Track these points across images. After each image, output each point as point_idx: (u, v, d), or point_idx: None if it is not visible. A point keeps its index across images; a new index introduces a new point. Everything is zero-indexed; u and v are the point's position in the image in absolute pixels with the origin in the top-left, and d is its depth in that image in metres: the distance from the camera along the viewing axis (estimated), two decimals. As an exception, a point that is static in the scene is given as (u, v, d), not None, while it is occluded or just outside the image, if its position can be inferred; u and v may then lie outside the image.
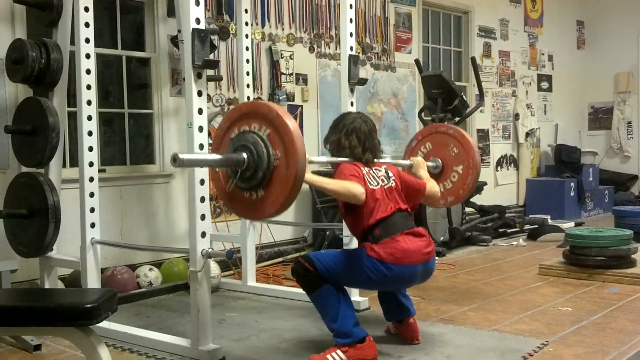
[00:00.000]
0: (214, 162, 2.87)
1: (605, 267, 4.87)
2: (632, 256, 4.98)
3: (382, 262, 3.06)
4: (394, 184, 3.28)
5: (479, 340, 3.46)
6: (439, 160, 3.92)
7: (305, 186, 5.66)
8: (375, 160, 3.33)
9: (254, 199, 2.78)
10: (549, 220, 7.73)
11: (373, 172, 3.25)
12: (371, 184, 3.18)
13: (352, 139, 3.27)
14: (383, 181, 3.25)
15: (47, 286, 3.87)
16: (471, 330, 3.65)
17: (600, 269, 4.88)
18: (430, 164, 3.85)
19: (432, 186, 3.55)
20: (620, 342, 3.38)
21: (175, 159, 2.57)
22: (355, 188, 3.04)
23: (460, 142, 3.86)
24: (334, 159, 3.33)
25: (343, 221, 3.51)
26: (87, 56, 3.66)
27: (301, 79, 6.15)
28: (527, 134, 9.04)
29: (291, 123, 2.68)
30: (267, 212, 2.78)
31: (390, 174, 3.32)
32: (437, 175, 3.87)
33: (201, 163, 3.00)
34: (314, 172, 3.07)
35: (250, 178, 2.75)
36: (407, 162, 3.74)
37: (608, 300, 4.28)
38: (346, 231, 3.91)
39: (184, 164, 2.64)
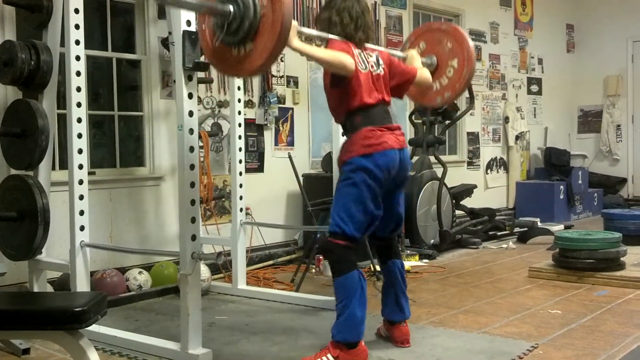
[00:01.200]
0: (198, 7, 2.81)
1: (594, 270, 4.90)
2: (621, 259, 5.00)
3: (362, 156, 3.10)
4: (382, 72, 3.28)
5: (469, 342, 3.47)
6: (434, 57, 3.87)
7: (295, 188, 5.69)
8: (368, 45, 3.30)
9: (242, 54, 2.73)
10: (539, 223, 7.76)
11: (364, 55, 3.24)
12: (360, 67, 3.16)
13: (344, 15, 3.24)
14: (372, 67, 3.24)
15: (36, 289, 3.85)
16: (461, 333, 3.66)
17: (590, 271, 4.90)
18: (425, 59, 3.80)
19: (423, 72, 3.54)
20: (610, 345, 3.39)
21: None
22: (345, 57, 3.04)
23: (454, 36, 3.82)
24: (325, 34, 3.27)
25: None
26: (77, 58, 3.64)
27: (292, 81, 6.14)
28: (517, 137, 9.08)
29: None
30: (255, 63, 2.73)
31: (381, 62, 3.31)
32: (433, 72, 3.81)
33: (185, 5, 2.90)
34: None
35: (237, 30, 2.70)
36: (400, 53, 3.71)
37: (597, 303, 4.30)
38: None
39: (167, 2, 2.55)
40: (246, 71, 2.85)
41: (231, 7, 2.68)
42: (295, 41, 2.89)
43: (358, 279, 3.10)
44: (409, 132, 7.24)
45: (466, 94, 7.29)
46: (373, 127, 3.15)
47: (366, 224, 3.18)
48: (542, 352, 3.31)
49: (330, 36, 3.24)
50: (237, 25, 2.69)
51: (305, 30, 3.35)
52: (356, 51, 3.20)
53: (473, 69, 3.85)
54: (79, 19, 3.64)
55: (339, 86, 3.16)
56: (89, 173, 3.87)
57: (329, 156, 5.64)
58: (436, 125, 6.85)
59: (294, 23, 2.81)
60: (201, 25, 2.95)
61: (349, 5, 3.27)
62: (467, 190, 7.22)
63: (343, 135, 3.36)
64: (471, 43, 3.84)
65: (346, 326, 3.07)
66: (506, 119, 8.97)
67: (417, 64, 3.61)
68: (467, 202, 7.24)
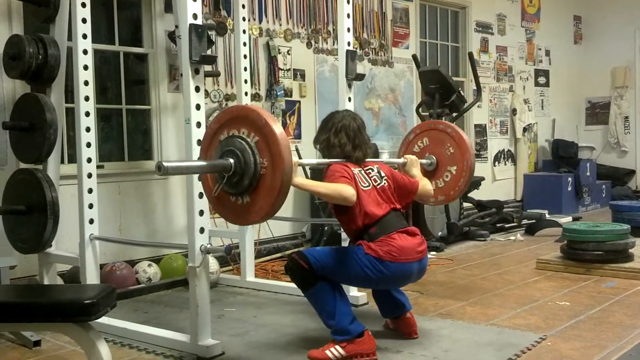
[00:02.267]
0: (199, 169, 2.87)
1: (602, 262, 4.89)
2: (630, 250, 4.99)
3: (380, 260, 3.06)
4: (386, 183, 3.29)
5: (476, 334, 3.47)
6: (434, 158, 3.92)
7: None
8: (367, 159, 3.33)
9: (240, 204, 2.78)
10: (547, 215, 7.75)
11: (364, 172, 3.25)
12: (362, 185, 3.17)
13: (342, 136, 3.26)
14: (375, 181, 3.25)
15: (46, 282, 3.88)
16: (469, 325, 3.66)
17: (598, 263, 4.89)
18: (424, 161, 3.85)
19: (425, 184, 3.55)
20: (618, 337, 3.39)
21: (160, 168, 2.55)
22: (345, 190, 3.02)
23: (457, 143, 3.86)
24: (324, 160, 3.31)
25: None
26: (85, 52, 3.65)
27: (299, 74, 6.14)
28: (525, 129, 9.05)
29: (279, 132, 2.66)
30: (252, 219, 2.79)
31: (383, 174, 3.32)
32: (431, 172, 3.88)
33: (186, 171, 2.99)
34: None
35: (236, 184, 2.75)
36: (400, 160, 3.74)
37: (605, 295, 4.30)
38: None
39: (168, 172, 2.63)
40: (243, 222, 2.94)
41: (232, 162, 2.72)
42: (295, 179, 2.89)
43: (325, 285, 3.10)
44: (416, 124, 7.21)
45: (473, 85, 7.27)
46: (392, 234, 3.12)
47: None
48: (550, 343, 3.31)
49: (328, 161, 3.27)
50: (237, 179, 2.74)
51: (305, 161, 3.51)
52: (356, 170, 3.20)
53: (469, 180, 3.88)
54: (86, 13, 3.66)
55: (345, 213, 3.17)
56: (98, 166, 3.89)
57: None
58: (443, 118, 6.83)
59: (295, 159, 2.83)
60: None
61: (346, 125, 3.29)
62: (474, 182, 7.20)
63: None
64: (473, 155, 3.87)
65: (342, 328, 3.08)
66: (513, 111, 8.94)
67: (415, 171, 3.62)
68: (475, 195, 7.23)
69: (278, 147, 2.64)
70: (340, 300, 3.11)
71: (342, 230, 3.92)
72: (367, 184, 3.21)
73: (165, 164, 2.56)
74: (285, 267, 3.26)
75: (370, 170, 3.29)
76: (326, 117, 3.43)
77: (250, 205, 2.74)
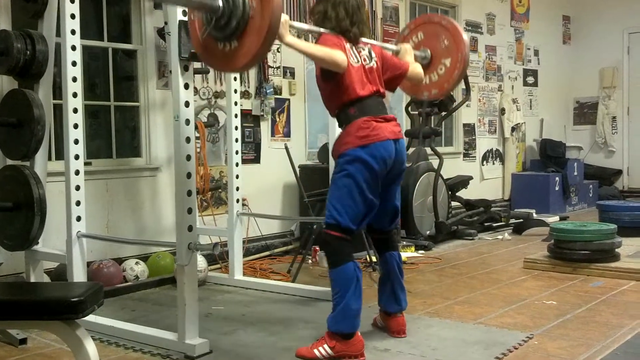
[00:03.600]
0: (187, 2, 2.83)
1: (589, 261, 4.92)
2: (616, 250, 5.02)
3: (360, 147, 3.09)
4: (375, 64, 3.28)
5: (464, 333, 3.49)
6: (428, 51, 3.86)
7: (292, 179, 5.69)
8: (362, 37, 3.30)
9: (227, 50, 2.73)
10: (534, 215, 7.79)
11: (355, 49, 3.23)
12: (352, 61, 3.16)
13: (340, 10, 3.22)
14: (365, 60, 3.24)
15: (32, 280, 3.85)
16: (457, 324, 3.67)
17: (585, 262, 4.92)
18: (418, 53, 3.79)
19: (416, 67, 3.53)
20: (604, 336, 3.41)
21: None
22: (337, 54, 3.03)
23: (452, 35, 3.80)
24: (317, 29, 3.25)
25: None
26: (73, 48, 3.62)
27: (288, 72, 6.13)
28: (513, 129, 9.09)
29: None
30: (238, 63, 2.74)
31: (373, 54, 3.31)
32: (425, 66, 3.81)
33: (175, 0, 2.91)
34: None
35: (224, 27, 2.70)
36: (394, 47, 3.70)
37: (592, 294, 4.32)
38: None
39: None
40: (230, 68, 2.88)
41: (220, 3, 2.68)
42: (287, 37, 2.90)
43: (353, 270, 3.10)
44: (405, 123, 7.23)
45: (462, 85, 7.29)
46: (368, 118, 3.15)
47: (362, 215, 3.18)
48: (537, 342, 3.32)
49: (323, 31, 3.22)
50: (225, 22, 2.69)
51: (297, 24, 3.33)
52: (347, 45, 3.19)
53: (464, 72, 3.83)
54: (75, 8, 3.63)
55: (331, 80, 3.16)
56: (85, 163, 3.86)
57: (325, 147, 5.64)
58: (432, 117, 6.86)
59: (285, 17, 2.81)
60: (190, 15, 2.95)
61: (345, 0, 3.25)
62: (463, 181, 7.24)
63: (339, 127, 3.36)
64: (468, 46, 3.82)
65: (342, 317, 3.08)
66: (502, 111, 8.97)
67: (409, 58, 3.60)
68: (463, 194, 7.26)
69: None
70: (355, 292, 3.09)
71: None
72: (357, 61, 3.19)
73: None
74: (321, 243, 3.21)
75: (361, 49, 3.27)
76: None
77: (238, 49, 2.69)
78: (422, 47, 3.88)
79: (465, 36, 3.85)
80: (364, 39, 3.33)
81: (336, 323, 3.08)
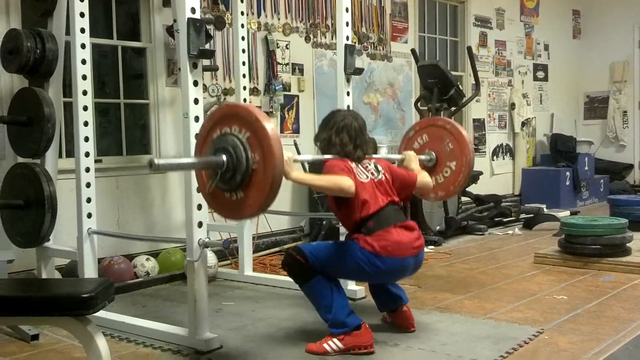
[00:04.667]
0: (192, 166, 2.91)
1: (600, 256, 4.90)
2: (627, 245, 5.00)
3: (375, 255, 3.07)
4: (383, 177, 3.29)
5: (474, 328, 3.48)
6: (433, 154, 3.91)
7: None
8: (366, 157, 3.33)
9: (234, 199, 2.79)
10: (545, 209, 7.76)
11: (362, 166, 3.25)
12: (360, 178, 3.17)
13: (343, 136, 3.26)
14: (373, 174, 3.25)
15: (44, 276, 3.88)
16: (467, 319, 3.67)
17: (596, 257, 4.90)
18: (423, 157, 3.84)
19: (424, 177, 3.55)
20: (615, 330, 3.40)
21: (151, 165, 2.56)
22: (344, 181, 3.05)
23: (456, 139, 3.85)
24: (320, 157, 3.31)
25: None
26: (83, 46, 3.65)
27: (297, 68, 6.14)
28: (523, 124, 9.05)
29: (269, 127, 2.67)
30: (245, 213, 2.81)
31: (380, 168, 3.32)
32: (430, 169, 3.86)
33: (178, 167, 3.00)
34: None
35: (229, 180, 2.76)
36: (398, 156, 3.74)
37: (603, 289, 4.31)
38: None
39: (160, 169, 2.64)
40: (238, 217, 2.94)
41: (224, 158, 2.73)
42: (292, 174, 2.92)
43: (322, 279, 3.12)
44: (414, 118, 7.23)
45: (472, 80, 7.27)
46: (389, 228, 3.12)
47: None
48: (548, 337, 3.32)
49: (326, 156, 3.27)
50: (230, 175, 2.75)
51: (301, 157, 3.48)
52: (353, 165, 3.21)
53: (469, 176, 3.86)
54: (84, 7, 3.65)
55: (345, 204, 3.17)
56: (96, 161, 3.89)
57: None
58: (442, 112, 6.83)
59: (288, 155, 2.85)
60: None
61: (348, 124, 3.28)
62: (473, 176, 7.20)
63: None
64: (472, 151, 3.86)
65: (339, 321, 3.09)
66: (512, 106, 8.94)
67: (414, 165, 3.60)
68: (473, 189, 7.23)
69: (268, 142, 2.64)
70: (337, 294, 3.13)
71: (340, 224, 3.93)
72: (366, 177, 3.21)
73: (156, 161, 2.57)
74: (282, 263, 3.28)
75: (367, 165, 3.29)
76: (327, 115, 3.42)
77: (244, 200, 2.75)
78: (427, 150, 3.93)
79: (469, 139, 3.89)
80: (368, 156, 3.35)
81: (338, 329, 3.10)
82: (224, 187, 2.80)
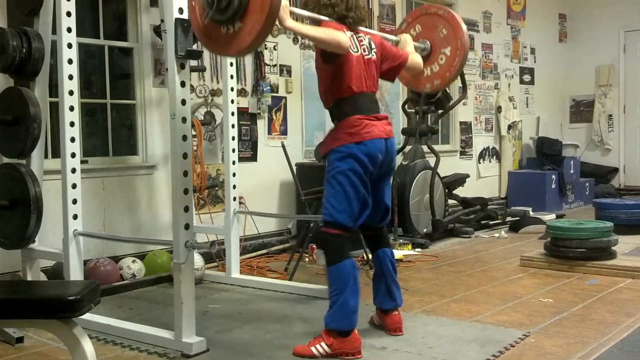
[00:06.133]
0: None
1: (585, 259, 4.93)
2: (612, 248, 5.04)
3: (345, 145, 3.11)
4: (374, 56, 3.28)
5: (461, 331, 3.49)
6: (428, 42, 3.86)
7: (288, 177, 5.68)
8: (361, 27, 3.29)
9: (231, 32, 2.73)
10: (531, 212, 7.80)
11: (356, 38, 3.23)
12: (352, 49, 3.15)
13: None
14: (365, 51, 3.23)
15: (29, 278, 3.84)
16: (453, 321, 3.68)
17: (581, 260, 4.93)
18: (418, 44, 3.79)
19: (415, 57, 3.53)
20: (600, 333, 3.42)
21: None
22: (340, 35, 3.02)
23: (450, 23, 3.80)
24: (317, 15, 3.21)
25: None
26: (69, 46, 3.62)
27: (285, 70, 6.13)
28: (509, 127, 9.09)
29: None
30: (243, 43, 2.73)
31: (373, 46, 3.30)
32: (425, 57, 3.81)
33: None
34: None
35: (225, 8, 2.70)
36: (393, 37, 3.69)
37: (588, 292, 4.33)
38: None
39: None
40: (234, 50, 2.84)
41: None
42: (288, 21, 2.88)
43: (351, 268, 3.12)
44: (402, 121, 7.24)
45: (459, 83, 7.30)
46: (361, 116, 3.16)
47: (358, 211, 3.20)
48: (534, 340, 3.33)
49: (323, 18, 3.19)
50: (227, 2, 2.69)
51: (297, 10, 3.27)
52: (348, 33, 3.17)
53: (464, 59, 3.82)
54: (71, 6, 3.61)
55: (331, 63, 3.13)
56: (82, 161, 3.85)
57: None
58: (429, 115, 6.86)
59: (285, 2, 2.81)
60: (191, 1, 2.94)
61: None
62: (459, 179, 7.25)
63: (332, 122, 3.35)
64: (466, 33, 3.82)
65: (339, 315, 3.08)
66: (498, 109, 8.98)
67: (409, 48, 3.60)
68: (460, 192, 7.26)
69: None
70: (352, 289, 3.10)
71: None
72: (356, 50, 3.19)
73: None
74: (320, 242, 3.27)
75: (361, 38, 3.27)
76: None
77: (241, 29, 2.68)
78: (421, 39, 3.88)
79: (462, 23, 3.85)
80: (364, 29, 3.32)
81: (334, 320, 3.08)
82: (220, 17, 2.74)
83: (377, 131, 3.18)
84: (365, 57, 3.23)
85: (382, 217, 3.46)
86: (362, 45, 3.25)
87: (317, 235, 3.25)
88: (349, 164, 3.12)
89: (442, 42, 3.82)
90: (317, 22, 3.20)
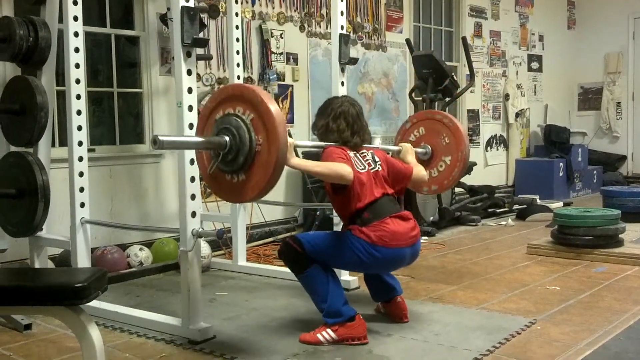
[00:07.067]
0: (196, 145, 2.90)
1: (593, 247, 4.92)
2: (620, 236, 5.02)
3: (372, 244, 3.07)
4: (380, 168, 3.29)
5: (467, 318, 3.50)
6: (429, 147, 3.93)
7: (295, 166, 5.61)
8: (363, 145, 3.34)
9: (235, 182, 2.79)
10: (538, 200, 7.78)
11: (359, 155, 3.26)
12: (358, 167, 3.18)
13: (340, 122, 3.27)
14: (370, 165, 3.26)
15: (37, 266, 3.87)
16: (460, 309, 3.68)
17: (588, 248, 4.92)
18: (419, 150, 3.86)
19: (419, 171, 3.55)
20: (607, 321, 3.42)
21: (155, 141, 2.56)
22: (342, 168, 3.05)
23: (453, 133, 3.87)
24: (320, 143, 3.32)
25: None
26: (76, 34, 3.62)
27: (292, 58, 6.12)
28: (517, 114, 9.06)
29: (274, 109, 2.67)
30: (247, 196, 2.80)
31: (377, 159, 3.32)
32: (426, 162, 3.89)
33: (182, 146, 3.00)
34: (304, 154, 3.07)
35: (232, 161, 2.76)
36: (395, 147, 3.75)
37: (595, 280, 4.32)
38: (336, 211, 3.92)
39: (164, 146, 2.64)
40: (238, 199, 2.94)
41: (227, 139, 2.74)
42: (292, 160, 2.93)
43: (319, 269, 3.13)
44: (409, 109, 7.23)
45: (467, 70, 7.26)
46: (385, 219, 3.13)
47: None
48: (540, 327, 3.33)
49: (323, 143, 3.27)
50: (233, 157, 2.75)
51: (301, 143, 3.44)
52: (351, 153, 3.21)
53: (463, 171, 3.90)
54: (77, -6, 3.62)
55: (342, 192, 3.16)
56: (89, 150, 3.88)
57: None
58: (436, 103, 6.83)
59: (290, 140, 2.86)
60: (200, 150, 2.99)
61: (345, 110, 3.29)
62: (466, 167, 7.22)
63: None
64: (468, 145, 3.88)
65: (334, 311, 3.10)
66: (506, 96, 8.94)
67: (410, 158, 3.61)
68: (467, 180, 7.23)
69: (273, 124, 2.64)
70: (333, 284, 3.13)
71: (334, 214, 3.92)
72: (363, 167, 3.21)
73: (160, 137, 2.58)
74: (278, 252, 3.29)
75: (364, 154, 3.30)
76: (325, 102, 3.43)
77: (246, 182, 2.74)
78: (423, 143, 3.94)
79: (465, 134, 3.90)
80: (365, 146, 3.35)
81: (332, 319, 3.10)
82: (225, 168, 2.80)
83: (403, 240, 3.13)
84: (372, 171, 3.24)
85: None
86: (367, 160, 3.27)
87: (280, 247, 3.26)
88: (362, 255, 3.09)
89: (443, 150, 3.89)
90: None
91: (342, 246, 3.13)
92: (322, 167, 3.09)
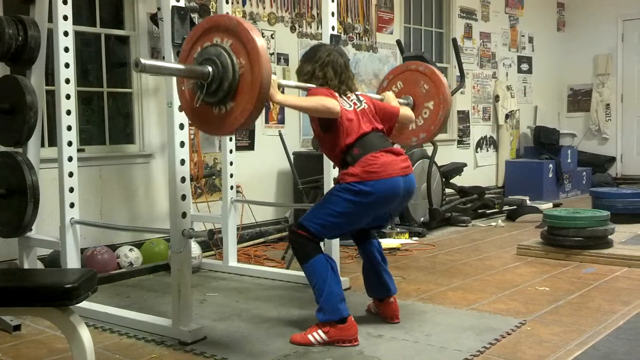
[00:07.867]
0: (177, 71, 2.84)
1: (582, 248, 4.94)
2: (609, 237, 5.05)
3: (360, 182, 3.07)
4: (366, 106, 3.30)
5: (457, 319, 3.50)
6: (410, 98, 3.92)
7: (286, 166, 5.69)
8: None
9: (223, 112, 2.75)
10: (528, 201, 7.81)
11: (345, 97, 3.25)
12: (345, 106, 3.18)
13: (328, 70, 3.25)
14: (355, 104, 3.26)
15: (26, 266, 3.84)
16: (450, 310, 3.69)
17: (578, 249, 4.94)
18: (401, 101, 3.83)
19: (406, 110, 3.57)
20: (597, 322, 3.43)
21: (137, 64, 2.52)
22: (329, 101, 3.06)
23: (431, 79, 3.87)
24: (305, 84, 3.28)
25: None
26: (65, 34, 3.60)
27: (282, 58, 6.11)
28: (507, 116, 9.09)
29: (252, 28, 2.64)
30: (236, 123, 2.75)
31: (362, 99, 3.33)
32: None
33: (164, 71, 2.92)
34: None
35: (216, 90, 2.72)
36: (377, 96, 3.72)
37: (585, 280, 4.35)
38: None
39: (145, 69, 2.58)
40: (228, 130, 2.85)
41: (210, 69, 2.70)
42: (277, 96, 2.93)
43: (325, 260, 3.13)
44: (399, 110, 7.22)
45: (457, 72, 7.28)
46: (374, 153, 3.13)
47: (341, 232, 3.27)
48: (530, 328, 3.34)
49: (311, 85, 3.25)
50: (217, 86, 2.71)
51: (285, 82, 3.39)
52: (336, 94, 3.21)
53: (448, 112, 3.90)
54: (67, -6, 3.60)
55: (330, 129, 3.16)
56: (78, 150, 3.85)
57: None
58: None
59: (274, 77, 2.84)
60: (180, 86, 2.95)
61: (333, 60, 3.27)
62: (457, 168, 7.25)
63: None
64: (447, 87, 3.88)
65: (328, 308, 3.09)
66: (496, 98, 8.97)
67: (394, 104, 3.61)
68: (457, 181, 7.27)
69: (254, 44, 2.61)
70: (333, 280, 3.12)
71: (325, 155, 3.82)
72: (349, 106, 3.21)
73: (143, 60, 2.53)
74: (289, 241, 3.29)
75: (349, 96, 3.29)
76: (312, 48, 3.42)
77: (233, 110, 2.71)
78: (404, 95, 3.94)
79: (443, 77, 3.91)
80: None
81: (324, 315, 3.10)
82: (210, 100, 2.75)
83: (394, 169, 3.14)
84: (359, 109, 3.25)
85: (376, 225, 3.50)
86: (352, 100, 3.27)
87: (289, 236, 3.26)
88: (358, 199, 3.08)
89: (424, 97, 3.90)
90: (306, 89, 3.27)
91: (335, 202, 3.11)
92: (309, 101, 3.09)
